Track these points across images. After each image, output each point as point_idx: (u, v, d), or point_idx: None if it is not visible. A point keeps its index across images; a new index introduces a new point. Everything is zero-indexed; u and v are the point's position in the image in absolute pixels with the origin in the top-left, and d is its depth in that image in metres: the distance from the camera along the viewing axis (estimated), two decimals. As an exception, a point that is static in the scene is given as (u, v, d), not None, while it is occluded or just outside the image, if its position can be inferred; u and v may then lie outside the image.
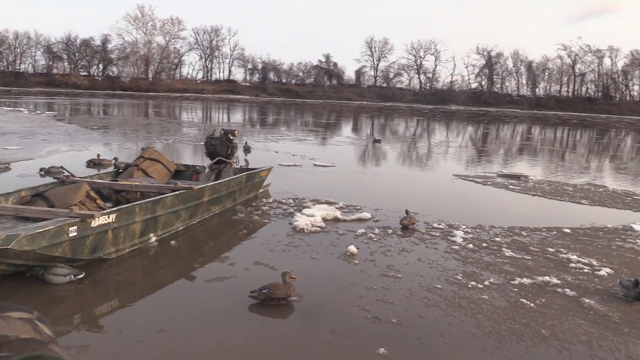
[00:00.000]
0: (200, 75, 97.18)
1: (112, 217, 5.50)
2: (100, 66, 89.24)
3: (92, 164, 11.59)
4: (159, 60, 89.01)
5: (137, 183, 7.18)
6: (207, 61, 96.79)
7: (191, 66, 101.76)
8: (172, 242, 6.45)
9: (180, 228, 6.94)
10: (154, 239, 6.30)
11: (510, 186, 12.03)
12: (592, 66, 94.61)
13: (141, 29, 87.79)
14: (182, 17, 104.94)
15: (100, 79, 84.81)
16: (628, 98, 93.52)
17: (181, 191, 6.79)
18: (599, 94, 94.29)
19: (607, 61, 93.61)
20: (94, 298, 4.87)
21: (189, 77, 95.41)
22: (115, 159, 11.27)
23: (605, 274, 5.99)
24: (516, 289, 5.37)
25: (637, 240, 7.61)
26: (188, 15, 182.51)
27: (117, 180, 7.57)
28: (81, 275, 5.04)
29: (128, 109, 39.48)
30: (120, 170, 8.41)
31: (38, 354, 0.46)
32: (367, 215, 8.15)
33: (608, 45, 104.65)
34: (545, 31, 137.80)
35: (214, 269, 5.66)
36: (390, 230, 7.40)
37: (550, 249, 6.87)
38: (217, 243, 6.88)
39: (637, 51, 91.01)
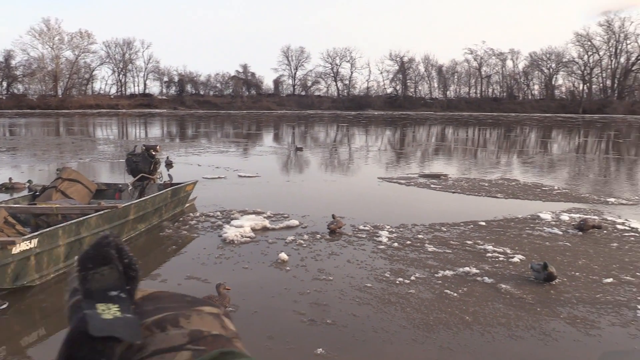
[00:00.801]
0: (113, 90, 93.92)
1: (34, 242, 5.30)
2: (4, 84, 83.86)
3: (4, 188, 10.97)
4: (68, 76, 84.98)
5: (58, 205, 6.93)
6: (121, 75, 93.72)
7: (104, 81, 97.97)
8: (99, 263, 6.27)
9: (107, 249, 6.75)
10: (79, 261, 6.10)
11: (432, 185, 12.64)
12: (497, 68, 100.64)
13: (47, 44, 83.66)
14: (91, 30, 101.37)
15: (4, 98, 79.58)
16: (530, 97, 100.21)
17: (105, 211, 6.64)
18: (504, 94, 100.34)
19: (509, 63, 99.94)
20: (19, 328, 4.68)
21: (101, 92, 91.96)
22: (30, 181, 10.71)
23: (518, 260, 6.50)
24: (440, 281, 5.71)
25: (545, 228, 8.27)
26: (98, 28, 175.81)
27: (35, 204, 7.26)
28: (4, 306, 4.83)
29: (37, 128, 37.41)
30: (37, 193, 8.05)
31: (231, 350, 0.47)
32: (295, 222, 8.31)
33: (509, 48, 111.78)
34: (453, 36, 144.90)
35: (145, 287, 5.57)
36: (319, 236, 7.60)
37: (469, 242, 7.34)
38: (146, 261, 6.77)
39: (535, 53, 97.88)
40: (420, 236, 7.63)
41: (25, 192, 9.34)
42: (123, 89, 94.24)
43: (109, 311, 0.53)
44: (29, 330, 4.64)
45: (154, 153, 9.59)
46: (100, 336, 0.48)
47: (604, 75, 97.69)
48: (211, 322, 0.55)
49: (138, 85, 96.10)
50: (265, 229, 7.97)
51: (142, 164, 9.38)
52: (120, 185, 9.30)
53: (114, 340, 0.49)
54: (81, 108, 75.95)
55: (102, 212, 6.58)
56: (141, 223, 7.69)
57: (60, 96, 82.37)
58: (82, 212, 6.71)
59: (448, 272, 5.99)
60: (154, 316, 0.54)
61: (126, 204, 7.13)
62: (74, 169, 8.91)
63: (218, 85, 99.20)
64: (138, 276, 0.60)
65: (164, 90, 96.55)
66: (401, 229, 8.05)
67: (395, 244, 7.17)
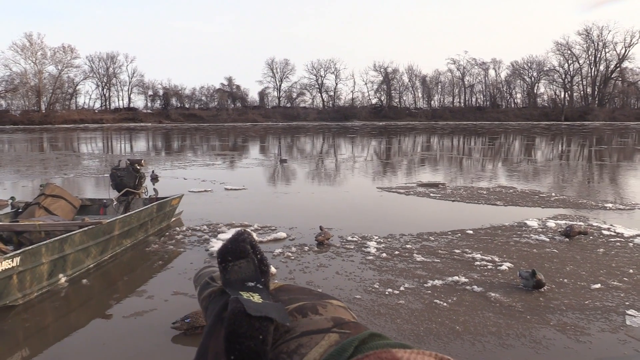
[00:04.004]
0: (98, 105, 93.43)
1: (17, 260, 5.20)
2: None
3: (-14, 206, 10.77)
4: (51, 91, 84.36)
5: (41, 222, 6.80)
6: (105, 89, 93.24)
7: (87, 95, 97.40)
8: (84, 280, 6.18)
9: (92, 265, 6.66)
10: (63, 279, 6.00)
11: (431, 194, 12.67)
12: (479, 78, 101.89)
13: (30, 59, 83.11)
14: (74, 45, 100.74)
15: (-14, 114, 78.79)
16: (513, 105, 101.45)
17: (90, 227, 6.54)
18: (487, 103, 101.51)
19: (492, 73, 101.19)
20: (2, 349, 4.56)
21: (85, 107, 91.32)
22: (12, 198, 10.50)
23: (506, 268, 6.50)
24: (429, 291, 5.69)
25: (531, 235, 8.30)
26: (81, 42, 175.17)
27: (17, 221, 7.12)
28: (-15, 326, 4.71)
29: (21, 144, 36.97)
30: (20, 210, 7.91)
31: (379, 333, 0.50)
32: (282, 234, 8.25)
33: (492, 57, 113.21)
34: (435, 46, 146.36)
35: (131, 304, 5.49)
36: (307, 247, 7.55)
37: (457, 250, 7.34)
38: (132, 277, 6.67)
39: (517, 62, 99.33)
40: (408, 246, 7.61)
41: (7, 210, 9.17)
42: (107, 103, 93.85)
43: (252, 298, 0.59)
44: (12, 351, 4.52)
45: (138, 167, 9.48)
46: (257, 316, 0.55)
47: (585, 83, 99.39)
48: (344, 312, 0.62)
49: (122, 100, 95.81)
50: (252, 242, 7.89)
51: (127, 178, 9.27)
52: (105, 201, 9.18)
53: (268, 321, 0.55)
54: (65, 123, 75.40)
55: (86, 228, 6.48)
56: (126, 238, 7.59)
57: (44, 111, 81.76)
58: (66, 228, 6.60)
59: (437, 282, 5.97)
60: (293, 304, 0.62)
61: (111, 220, 7.03)
62: (57, 185, 8.77)
63: (203, 98, 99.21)
64: (269, 270, 0.67)
65: (149, 104, 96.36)
66: (389, 239, 8.03)
67: (384, 255, 7.14)
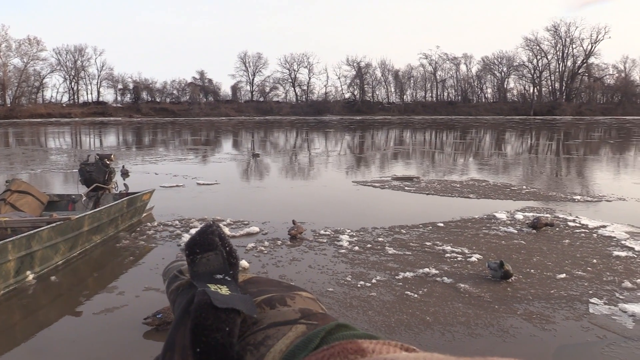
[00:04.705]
0: (65, 99, 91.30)
1: (-19, 257, 5.08)
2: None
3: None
4: (17, 84, 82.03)
5: (7, 219, 6.66)
6: (73, 83, 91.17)
7: (55, 89, 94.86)
8: (53, 277, 6.08)
9: (60, 262, 6.55)
10: (31, 276, 5.90)
11: (406, 188, 12.80)
12: (451, 72, 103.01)
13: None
14: (41, 37, 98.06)
15: (-54, 108, 76.33)
16: (484, 100, 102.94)
17: (58, 223, 6.43)
18: (459, 97, 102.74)
19: (463, 67, 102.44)
20: (-33, 348, 4.47)
21: (53, 100, 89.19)
22: (-24, 195, 10.27)
23: (476, 259, 6.63)
24: (401, 283, 5.77)
25: (500, 227, 8.48)
26: (48, 34, 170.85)
27: (-19, 218, 6.95)
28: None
29: (-16, 140, 35.97)
30: (-16, 207, 7.72)
31: (346, 324, 0.50)
32: (255, 229, 8.25)
33: (463, 52, 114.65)
34: (408, 41, 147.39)
35: (101, 300, 5.43)
36: (280, 242, 7.57)
37: (428, 243, 7.45)
38: (102, 273, 6.58)
39: (487, 57, 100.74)
40: (380, 239, 7.69)
41: (-29, 206, 8.95)
42: (75, 97, 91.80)
43: (220, 290, 0.59)
44: (-22, 350, 4.43)
45: (108, 162, 9.35)
46: (224, 308, 0.54)
47: (553, 78, 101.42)
48: (312, 304, 0.62)
49: (91, 93, 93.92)
50: (225, 236, 7.86)
51: (96, 173, 9.13)
52: (74, 196, 9.02)
53: (235, 313, 0.55)
54: (31, 117, 73.57)
55: (54, 224, 6.36)
56: (96, 234, 7.48)
57: (9, 105, 79.50)
58: (33, 225, 6.47)
59: (408, 274, 6.06)
60: (262, 296, 0.62)
61: (80, 215, 6.92)
62: (24, 181, 8.58)
63: (175, 92, 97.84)
64: (238, 262, 0.67)
65: (119, 98, 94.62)
66: (361, 233, 8.10)
67: (356, 248, 7.20)
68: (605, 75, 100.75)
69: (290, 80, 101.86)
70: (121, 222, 8.30)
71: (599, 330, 4.60)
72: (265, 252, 7.05)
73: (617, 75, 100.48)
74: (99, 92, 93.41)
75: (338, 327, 0.50)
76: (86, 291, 5.78)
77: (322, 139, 36.25)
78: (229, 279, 0.63)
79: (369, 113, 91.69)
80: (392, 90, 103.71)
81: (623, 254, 6.90)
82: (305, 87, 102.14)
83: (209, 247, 0.64)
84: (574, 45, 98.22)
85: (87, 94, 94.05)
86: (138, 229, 8.43)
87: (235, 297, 0.58)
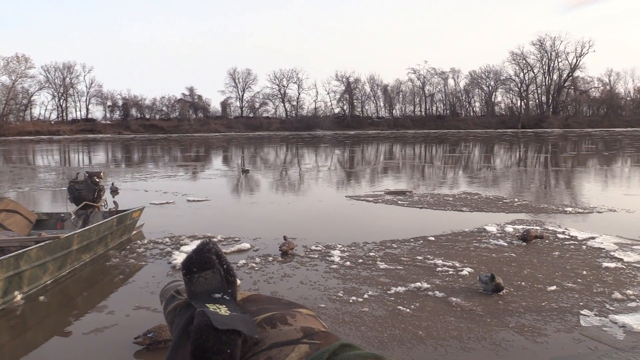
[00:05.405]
0: (54, 116, 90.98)
1: (-31, 278, 5.01)
2: None
3: None
4: (5, 102, 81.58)
5: (-6, 238, 6.59)
6: (61, 100, 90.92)
7: (43, 106, 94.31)
8: (41, 297, 6.01)
9: (49, 281, 6.48)
10: (19, 297, 5.82)
11: (399, 202, 12.82)
12: (439, 87, 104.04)
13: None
14: (29, 54, 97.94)
15: None
16: (472, 114, 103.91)
17: (47, 242, 6.37)
18: (447, 111, 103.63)
19: (451, 82, 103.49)
20: (-47, 371, 4.39)
21: (41, 118, 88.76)
22: (-37, 214, 10.15)
23: (467, 273, 6.65)
24: (393, 298, 5.77)
25: (491, 240, 8.52)
26: (36, 52, 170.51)
27: (-31, 238, 6.87)
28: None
29: (-29, 159, 35.63)
30: (-28, 227, 7.63)
31: (350, 343, 0.49)
32: (246, 245, 8.22)
33: (450, 67, 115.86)
34: (396, 56, 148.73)
35: (91, 320, 5.37)
36: (271, 258, 7.54)
37: (419, 257, 7.46)
38: (92, 292, 6.51)
39: (475, 72, 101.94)
40: (372, 254, 7.69)
41: (-42, 226, 8.85)
42: (64, 114, 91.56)
43: (219, 310, 0.58)
44: (-35, 373, 4.36)
45: (97, 180, 9.30)
46: (224, 329, 0.54)
47: (539, 91, 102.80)
48: (313, 321, 0.61)
49: (80, 110, 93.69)
50: (216, 253, 7.83)
51: (85, 191, 9.08)
52: (63, 215, 8.95)
53: (236, 334, 0.54)
54: (19, 135, 73.08)
55: (43, 243, 6.30)
56: (85, 253, 7.42)
57: (-3, 123, 79.00)
58: (22, 244, 6.41)
59: (400, 289, 6.06)
60: (262, 315, 0.60)
61: (69, 234, 6.86)
62: (12, 199, 8.49)
63: (164, 108, 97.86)
64: (236, 280, 0.66)
65: (108, 115, 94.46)
66: (353, 248, 8.10)
67: (348, 263, 7.20)
68: (591, 88, 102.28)
69: (279, 95, 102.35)
70: (111, 240, 8.24)
71: (590, 342, 4.62)
72: (257, 268, 7.02)
73: (602, 88, 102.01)
74: (87, 109, 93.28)
75: (342, 347, 0.49)
76: (75, 311, 5.71)
77: (312, 154, 36.31)
78: (227, 297, 0.62)
79: (359, 128, 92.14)
80: (381, 104, 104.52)
81: (612, 265, 6.95)
82: (294, 103, 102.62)
83: (206, 266, 0.64)
84: (559, 59, 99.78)
85: (75, 111, 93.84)
86: (128, 247, 8.37)
87: (236, 317, 0.58)
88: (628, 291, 5.89)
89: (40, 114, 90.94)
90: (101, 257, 7.80)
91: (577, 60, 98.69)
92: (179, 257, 7.39)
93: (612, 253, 7.59)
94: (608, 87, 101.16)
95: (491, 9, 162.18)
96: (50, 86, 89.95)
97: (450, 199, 13.30)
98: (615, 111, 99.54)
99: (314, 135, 71.55)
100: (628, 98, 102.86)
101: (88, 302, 6.10)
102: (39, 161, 32.93)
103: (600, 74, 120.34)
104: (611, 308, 5.41)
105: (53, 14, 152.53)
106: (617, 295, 5.75)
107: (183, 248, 7.97)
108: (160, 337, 4.49)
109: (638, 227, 9.49)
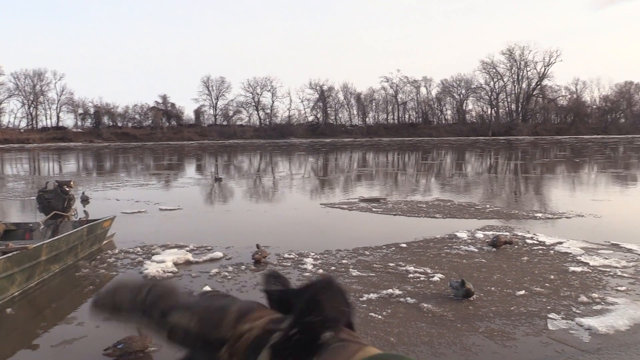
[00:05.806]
0: (23, 124, 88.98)
1: None
2: None
3: None
4: (-29, 110, 79.60)
5: (-41, 250, 6.43)
6: (31, 108, 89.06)
7: (12, 114, 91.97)
8: (8, 310, 5.87)
9: (17, 293, 6.34)
10: (-15, 309, 5.69)
11: (374, 209, 12.90)
12: (412, 95, 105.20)
13: (-53, 76, 78.20)
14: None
15: None
16: (444, 121, 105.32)
17: (14, 252, 6.24)
18: (420, 119, 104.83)
19: (423, 90, 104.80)
20: None
21: (10, 126, 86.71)
22: None
23: (438, 279, 6.74)
24: (365, 305, 5.81)
25: (461, 246, 8.65)
26: (5, 58, 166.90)
27: None
28: None
29: None
30: None
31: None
32: (219, 254, 8.18)
33: (423, 75, 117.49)
34: (369, 64, 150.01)
35: (60, 332, 5.27)
36: (244, 267, 7.52)
37: (391, 264, 7.53)
38: (61, 304, 6.39)
39: (446, 80, 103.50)
40: (344, 261, 7.73)
41: None
42: (34, 122, 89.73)
43: None
44: None
45: (67, 189, 9.15)
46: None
47: (509, 99, 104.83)
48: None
49: (51, 118, 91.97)
50: (188, 262, 7.79)
51: (55, 200, 8.92)
52: (31, 225, 8.77)
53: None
54: (-14, 144, 71.31)
55: (10, 254, 6.17)
56: (55, 264, 7.28)
57: (-37, 132, 77.01)
58: (-12, 255, 6.26)
59: (372, 295, 6.11)
60: None
61: (37, 244, 6.73)
62: (-22, 210, 8.31)
63: (137, 116, 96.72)
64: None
65: (79, 123, 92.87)
66: (325, 255, 8.12)
67: (320, 271, 7.22)
68: (559, 97, 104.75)
69: (253, 103, 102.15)
70: (81, 250, 8.11)
71: (557, 345, 4.73)
72: (229, 277, 6.99)
73: (569, 96, 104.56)
74: (58, 117, 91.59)
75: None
76: (44, 323, 5.60)
77: (286, 162, 36.29)
78: None
79: (333, 135, 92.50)
80: (355, 112, 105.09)
81: (579, 269, 7.13)
82: (268, 111, 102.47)
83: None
84: (528, 68, 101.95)
85: (46, 119, 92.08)
86: (98, 257, 8.24)
87: None
88: (593, 294, 6.05)
89: (9, 122, 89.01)
90: (71, 268, 7.67)
91: (545, 69, 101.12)
92: (150, 267, 7.31)
93: (578, 257, 7.79)
94: (575, 96, 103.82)
95: (462, 19, 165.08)
96: (20, 93, 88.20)
97: (424, 205, 13.45)
98: (582, 119, 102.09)
99: (290, 144, 71.57)
100: (594, 106, 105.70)
101: (57, 313, 5.99)
102: (8, 170, 32.16)
103: (567, 83, 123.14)
104: (577, 311, 5.55)
105: (23, 19, 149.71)
106: (583, 298, 5.90)
107: (155, 257, 7.89)
108: (131, 349, 4.44)
109: (604, 231, 9.75)
